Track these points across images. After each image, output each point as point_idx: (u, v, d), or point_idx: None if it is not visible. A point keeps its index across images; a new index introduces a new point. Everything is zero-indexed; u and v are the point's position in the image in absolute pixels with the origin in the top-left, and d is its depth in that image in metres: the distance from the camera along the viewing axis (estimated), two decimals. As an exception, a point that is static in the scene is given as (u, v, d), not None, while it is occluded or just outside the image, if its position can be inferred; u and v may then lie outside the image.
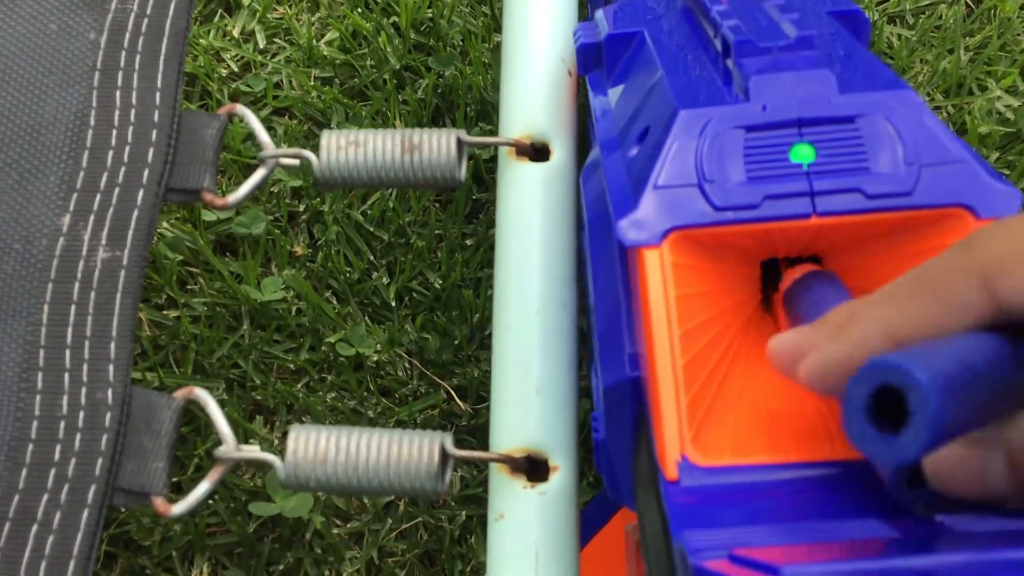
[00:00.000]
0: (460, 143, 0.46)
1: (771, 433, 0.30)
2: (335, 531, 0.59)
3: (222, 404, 0.61)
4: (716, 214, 0.31)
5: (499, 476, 0.42)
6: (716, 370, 0.31)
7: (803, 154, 0.32)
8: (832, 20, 0.40)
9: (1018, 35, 0.73)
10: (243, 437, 0.61)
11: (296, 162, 0.47)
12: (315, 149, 0.47)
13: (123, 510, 0.59)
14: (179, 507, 0.40)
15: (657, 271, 0.31)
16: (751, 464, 0.29)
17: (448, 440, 0.42)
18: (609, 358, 0.35)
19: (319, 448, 0.41)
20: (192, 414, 0.60)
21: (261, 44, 0.73)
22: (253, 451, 0.41)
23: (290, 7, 0.74)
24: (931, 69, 0.72)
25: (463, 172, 0.46)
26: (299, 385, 0.63)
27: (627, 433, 0.34)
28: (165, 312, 0.64)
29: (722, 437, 0.30)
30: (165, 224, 0.65)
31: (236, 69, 0.72)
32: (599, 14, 0.46)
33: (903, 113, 0.32)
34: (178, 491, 0.59)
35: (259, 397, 0.62)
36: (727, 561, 0.22)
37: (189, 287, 0.65)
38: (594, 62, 0.45)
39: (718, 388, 0.31)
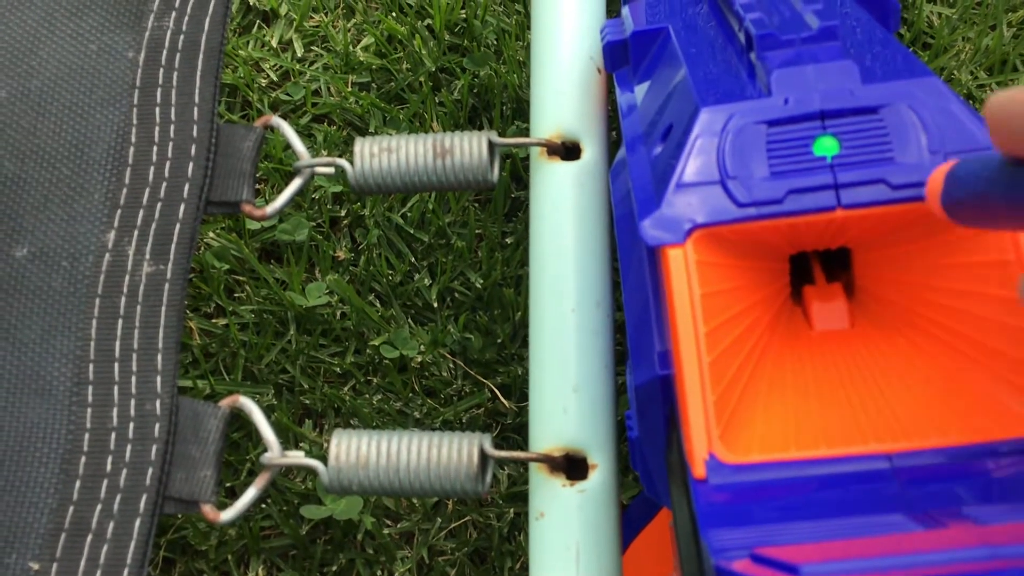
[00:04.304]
0: (492, 145, 0.47)
1: (800, 428, 0.30)
2: (386, 531, 0.60)
3: (271, 409, 0.62)
4: (740, 211, 0.31)
5: (539, 475, 0.42)
6: (744, 366, 0.31)
7: (827, 147, 0.31)
8: (859, 7, 0.39)
9: (1063, 8, 0.71)
10: (293, 441, 0.62)
11: (331, 170, 0.48)
12: (351, 157, 0.47)
13: (179, 516, 0.60)
14: (227, 514, 0.41)
15: (681, 269, 0.31)
16: (780, 460, 0.29)
17: (487, 441, 0.42)
18: (640, 356, 0.35)
19: (361, 452, 0.42)
20: (243, 420, 0.62)
21: (299, 52, 0.74)
22: (297, 457, 0.42)
23: (326, 15, 0.75)
24: (973, 47, 0.70)
25: (496, 174, 0.47)
26: (346, 388, 0.64)
27: (659, 431, 0.34)
28: (214, 320, 0.65)
29: (751, 433, 0.30)
30: (211, 234, 0.67)
31: (275, 78, 0.73)
32: (625, 10, 0.46)
33: (928, 101, 0.31)
34: (232, 495, 0.61)
35: (307, 401, 0.63)
36: (749, 561, 0.22)
37: (236, 295, 0.66)
38: (621, 59, 0.45)
39: (746, 384, 0.31)
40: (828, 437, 0.29)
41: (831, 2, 0.39)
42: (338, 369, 0.64)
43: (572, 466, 0.42)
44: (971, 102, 0.69)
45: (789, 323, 0.33)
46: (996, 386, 0.30)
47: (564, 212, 0.46)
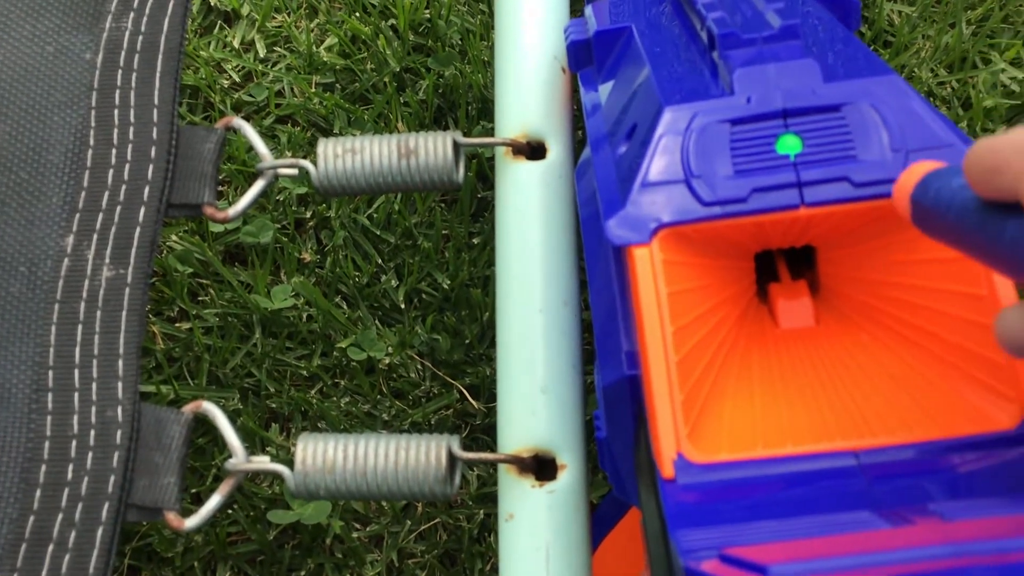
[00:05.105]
0: (456, 145, 0.47)
1: (767, 426, 0.30)
2: (355, 535, 0.60)
3: (237, 414, 0.62)
4: (704, 209, 0.31)
5: (507, 476, 0.42)
6: (711, 364, 0.31)
7: (789, 145, 0.31)
8: (820, 6, 0.40)
9: (1020, 6, 0.72)
10: (259, 445, 0.61)
11: (295, 172, 0.47)
12: (315, 158, 0.47)
13: (144, 523, 0.59)
14: (192, 521, 0.41)
15: (647, 269, 0.31)
16: (747, 459, 0.29)
17: (455, 443, 0.42)
18: (607, 356, 0.35)
19: (327, 456, 0.41)
20: (208, 425, 0.61)
21: (261, 53, 0.73)
22: (262, 462, 0.42)
23: (289, 15, 0.74)
24: (934, 44, 0.71)
25: (460, 174, 0.46)
26: (313, 391, 0.63)
27: (628, 431, 0.34)
28: (178, 324, 0.64)
29: (718, 432, 0.30)
30: (174, 237, 0.66)
31: (238, 79, 0.72)
32: (588, 10, 0.46)
33: (889, 99, 0.31)
34: (198, 501, 0.60)
35: (274, 405, 0.63)
36: (718, 561, 0.22)
37: (200, 299, 0.65)
38: (585, 59, 0.44)
39: (714, 382, 0.31)
40: (795, 435, 0.30)
41: (792, 1, 0.39)
42: (305, 372, 0.63)
43: (541, 467, 0.42)
44: (931, 99, 0.70)
45: (755, 321, 0.34)
46: (960, 382, 0.30)
47: (530, 212, 0.46)
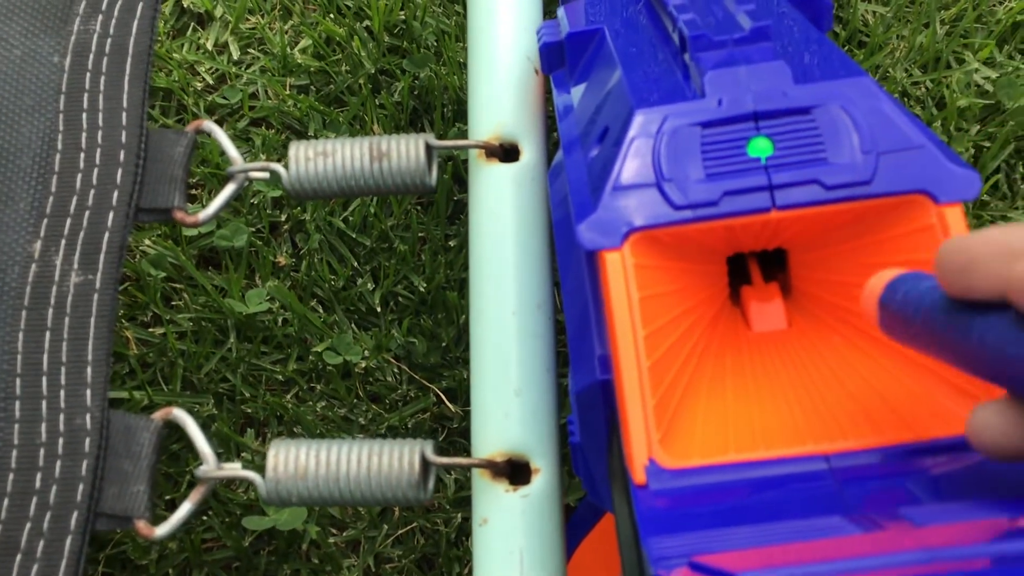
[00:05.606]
0: (429, 148, 0.46)
1: (739, 430, 0.30)
2: (331, 540, 0.59)
3: (212, 419, 0.61)
4: (676, 213, 0.31)
5: (481, 481, 0.42)
6: (684, 369, 0.31)
7: (761, 148, 0.31)
8: (791, 6, 0.39)
9: (993, 6, 0.73)
10: (235, 451, 0.61)
11: (266, 175, 0.47)
12: (287, 161, 0.46)
13: (119, 531, 0.59)
14: (162, 529, 0.40)
15: (619, 273, 0.31)
16: (720, 464, 0.29)
17: (429, 448, 0.41)
18: (580, 360, 0.35)
19: (299, 463, 0.41)
20: (182, 431, 0.60)
21: (235, 55, 0.72)
22: (234, 469, 0.41)
23: (262, 16, 0.74)
24: (908, 44, 0.71)
25: (433, 177, 0.46)
26: (289, 396, 0.63)
27: (601, 436, 0.34)
28: (151, 330, 0.64)
29: (690, 437, 0.30)
30: (147, 241, 0.65)
31: (211, 82, 0.72)
32: (561, 11, 0.45)
33: (859, 101, 0.31)
34: (172, 508, 0.59)
35: (249, 410, 0.62)
36: (687, 569, 0.22)
37: (174, 303, 0.65)
38: (557, 61, 0.44)
39: (687, 387, 0.31)
40: (767, 438, 0.29)
41: (764, 2, 0.38)
42: (280, 377, 0.63)
43: (515, 471, 0.42)
44: (905, 99, 0.70)
45: (728, 324, 0.33)
46: (931, 384, 0.30)
47: (503, 215, 0.46)
